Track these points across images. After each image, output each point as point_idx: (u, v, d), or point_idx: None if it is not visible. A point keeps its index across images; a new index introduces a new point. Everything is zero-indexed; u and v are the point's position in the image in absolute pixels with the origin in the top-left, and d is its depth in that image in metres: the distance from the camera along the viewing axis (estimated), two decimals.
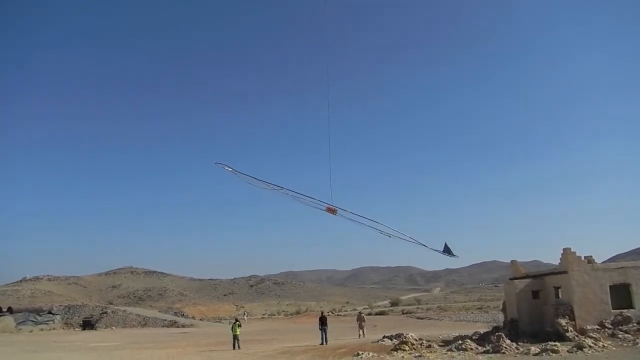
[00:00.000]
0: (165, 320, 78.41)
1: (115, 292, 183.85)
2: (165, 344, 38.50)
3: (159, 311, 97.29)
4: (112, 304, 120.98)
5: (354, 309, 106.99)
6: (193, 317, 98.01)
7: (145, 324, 74.57)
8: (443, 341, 27.34)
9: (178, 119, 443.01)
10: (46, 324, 68.61)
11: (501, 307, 34.99)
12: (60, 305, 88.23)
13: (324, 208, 23.67)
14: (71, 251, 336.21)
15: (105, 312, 78.24)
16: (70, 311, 79.70)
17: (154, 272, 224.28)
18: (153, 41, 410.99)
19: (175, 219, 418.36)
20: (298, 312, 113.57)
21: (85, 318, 72.96)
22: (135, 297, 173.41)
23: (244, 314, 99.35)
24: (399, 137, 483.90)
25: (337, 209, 23.62)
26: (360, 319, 38.54)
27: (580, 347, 19.82)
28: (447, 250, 24.79)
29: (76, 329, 68.72)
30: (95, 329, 67.44)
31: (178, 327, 72.40)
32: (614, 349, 19.99)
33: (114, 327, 70.15)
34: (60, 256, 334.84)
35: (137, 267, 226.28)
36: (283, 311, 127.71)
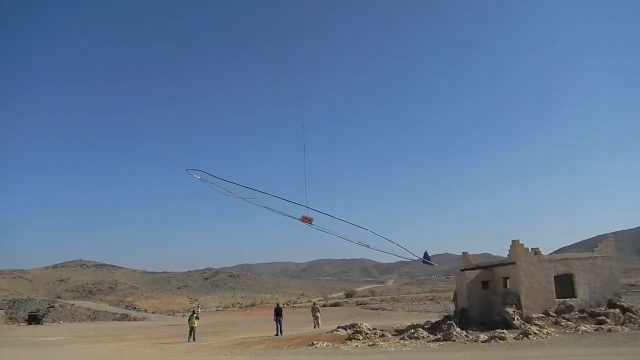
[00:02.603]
0: (117, 313, 76.57)
1: (63, 286, 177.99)
2: (117, 338, 37.59)
3: (110, 305, 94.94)
4: (59, 298, 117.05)
5: (309, 301, 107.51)
6: (145, 310, 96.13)
7: (95, 317, 72.63)
8: (396, 330, 27.85)
9: (130, 111, 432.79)
10: None
11: (452, 297, 35.92)
12: (4, 300, 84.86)
13: (299, 217, 23.26)
14: (16, 243, 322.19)
15: (53, 306, 75.67)
16: (15, 305, 76.74)
17: (105, 265, 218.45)
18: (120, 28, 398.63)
19: (127, 212, 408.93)
20: (253, 305, 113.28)
21: (31, 312, 70.39)
22: (84, 290, 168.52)
23: (198, 306, 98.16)
24: (343, 131, 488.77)
25: (313, 218, 23.27)
26: (314, 310, 38.68)
27: (526, 334, 20.64)
28: (426, 258, 25.60)
29: (21, 324, 66.28)
30: (42, 324, 65.23)
31: (130, 320, 70.87)
32: (557, 335, 20.92)
33: (61, 322, 68.00)
34: (3, 249, 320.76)
35: (87, 260, 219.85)
36: (238, 303, 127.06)
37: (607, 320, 22.91)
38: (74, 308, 76.97)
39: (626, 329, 21.53)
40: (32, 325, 63.72)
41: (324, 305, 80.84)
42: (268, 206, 23.57)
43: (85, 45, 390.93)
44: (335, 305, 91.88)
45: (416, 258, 26.04)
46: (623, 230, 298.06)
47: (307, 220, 23.15)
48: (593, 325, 22.43)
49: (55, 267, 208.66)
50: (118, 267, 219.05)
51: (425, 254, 26.45)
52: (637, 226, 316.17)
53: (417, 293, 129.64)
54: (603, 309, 24.25)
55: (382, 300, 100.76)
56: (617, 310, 23.90)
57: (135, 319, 71.98)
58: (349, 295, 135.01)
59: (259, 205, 23.53)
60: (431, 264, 27.76)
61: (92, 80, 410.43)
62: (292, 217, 23.34)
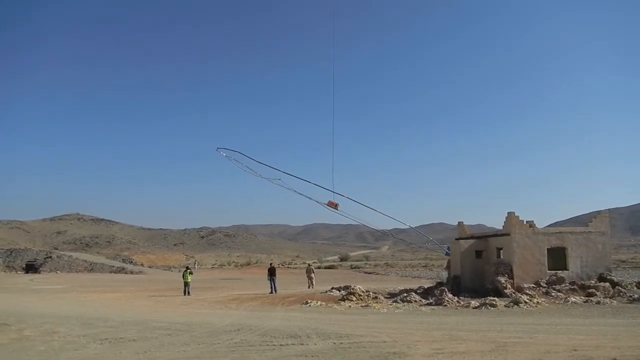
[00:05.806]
0: (113, 266, 77.52)
1: (60, 238, 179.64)
2: (114, 289, 38.24)
3: (107, 258, 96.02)
4: (56, 249, 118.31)
5: (304, 263, 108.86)
6: (142, 264, 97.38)
7: (92, 269, 73.55)
8: (389, 293, 28.35)
9: (132, 65, 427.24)
10: None
11: (445, 265, 36.43)
12: (2, 249, 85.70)
13: (325, 202, 23.51)
14: (14, 195, 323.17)
15: (50, 257, 76.52)
16: (13, 254, 77.60)
17: (102, 219, 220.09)
18: None
19: (126, 168, 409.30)
20: (248, 264, 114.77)
21: (28, 261, 71.30)
22: (81, 243, 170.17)
23: (195, 263, 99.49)
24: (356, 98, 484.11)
25: (339, 203, 23.67)
26: (309, 271, 39.20)
27: (516, 303, 21.03)
28: (450, 252, 27.31)
29: (19, 272, 67.15)
30: (39, 273, 66.09)
31: (126, 273, 71.86)
32: (547, 305, 21.32)
33: (59, 272, 68.86)
34: (1, 199, 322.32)
35: (85, 214, 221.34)
36: (233, 262, 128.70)
37: (597, 293, 23.30)
38: (71, 259, 77.85)
39: (615, 302, 21.92)
40: (30, 274, 64.61)
41: (319, 268, 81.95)
42: (294, 189, 24.07)
43: None
44: (329, 267, 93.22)
45: (443, 252, 27.48)
46: (617, 208, 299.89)
47: (332, 205, 23.47)
48: (583, 297, 22.83)
49: (52, 219, 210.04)
50: (115, 222, 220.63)
51: (449, 248, 27.93)
52: (632, 204, 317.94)
53: (410, 260, 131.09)
54: (593, 282, 24.65)
55: (376, 265, 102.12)
56: (607, 284, 24.28)
57: (131, 272, 72.98)
58: (343, 259, 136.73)
59: (285, 187, 24.06)
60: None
61: (96, 34, 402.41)
62: (318, 202, 23.76)
